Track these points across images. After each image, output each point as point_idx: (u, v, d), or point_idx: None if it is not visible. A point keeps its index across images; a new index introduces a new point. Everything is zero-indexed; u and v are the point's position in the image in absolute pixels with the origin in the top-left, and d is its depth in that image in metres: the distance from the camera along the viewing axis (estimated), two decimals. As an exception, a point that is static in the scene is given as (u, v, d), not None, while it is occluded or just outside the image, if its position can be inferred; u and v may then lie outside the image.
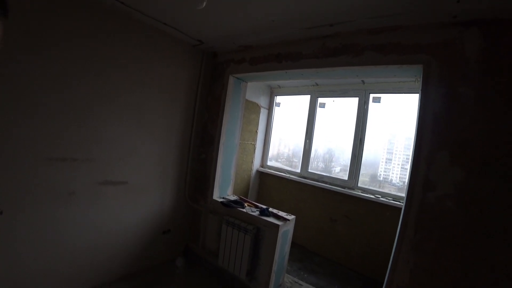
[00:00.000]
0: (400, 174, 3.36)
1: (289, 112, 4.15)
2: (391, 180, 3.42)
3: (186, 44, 2.78)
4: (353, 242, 3.03)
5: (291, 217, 2.45)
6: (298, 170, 3.72)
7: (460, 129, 1.64)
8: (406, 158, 3.39)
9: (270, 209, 2.53)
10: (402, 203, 2.69)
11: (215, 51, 3.04)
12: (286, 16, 1.96)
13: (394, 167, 3.38)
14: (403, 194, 2.84)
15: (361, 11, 1.76)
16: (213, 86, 3.09)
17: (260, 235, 2.40)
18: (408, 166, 3.21)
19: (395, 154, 3.39)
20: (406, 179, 3.40)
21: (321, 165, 3.86)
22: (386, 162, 3.46)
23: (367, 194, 2.97)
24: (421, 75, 1.81)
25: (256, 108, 3.86)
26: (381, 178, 3.44)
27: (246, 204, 2.66)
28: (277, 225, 2.28)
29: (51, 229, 1.98)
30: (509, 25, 1.54)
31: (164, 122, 2.69)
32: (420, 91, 1.82)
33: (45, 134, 1.89)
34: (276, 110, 4.17)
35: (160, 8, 2.09)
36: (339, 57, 2.14)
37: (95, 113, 2.14)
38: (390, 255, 1.85)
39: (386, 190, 3.11)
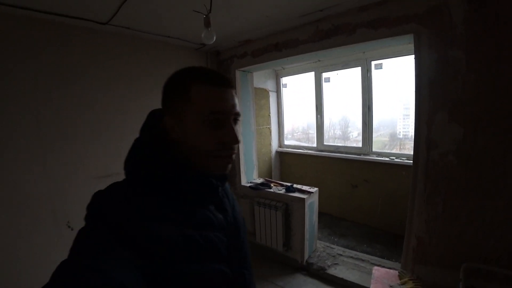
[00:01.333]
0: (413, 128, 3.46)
1: (296, 91, 4.30)
2: (411, 136, 3.53)
3: (190, 49, 2.97)
4: (375, 203, 3.26)
5: (314, 189, 2.71)
6: (315, 145, 3.93)
7: (454, 90, 1.78)
8: None
9: (295, 185, 2.80)
10: (415, 161, 2.88)
11: (217, 50, 3.21)
12: (278, 10, 2.10)
13: (413, 122, 3.47)
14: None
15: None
16: (222, 82, 3.29)
17: (289, 210, 2.69)
18: None
19: (412, 109, 3.45)
20: None
21: (338, 132, 4.02)
22: (404, 119, 3.55)
23: (382, 157, 3.15)
24: (413, 44, 1.93)
25: (264, 93, 4.03)
26: (401, 136, 3.56)
27: (272, 184, 2.94)
28: (303, 199, 2.56)
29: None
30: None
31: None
32: (414, 59, 1.95)
33: (93, 156, 2.21)
34: (284, 92, 4.32)
35: (163, 26, 2.29)
36: (333, 38, 2.27)
37: (126, 132, 2.40)
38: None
39: (400, 151, 3.28)
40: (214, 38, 1.83)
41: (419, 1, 1.84)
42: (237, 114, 0.63)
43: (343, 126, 4.00)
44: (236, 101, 0.63)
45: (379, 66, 3.08)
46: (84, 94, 2.16)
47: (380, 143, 3.56)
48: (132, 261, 0.45)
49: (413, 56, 2.76)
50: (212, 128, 0.59)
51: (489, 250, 1.73)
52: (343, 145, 3.68)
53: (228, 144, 0.61)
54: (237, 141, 0.61)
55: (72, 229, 2.13)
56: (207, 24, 1.78)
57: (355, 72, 3.31)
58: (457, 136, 1.79)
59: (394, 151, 3.34)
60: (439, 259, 1.92)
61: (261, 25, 2.40)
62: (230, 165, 0.65)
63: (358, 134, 3.83)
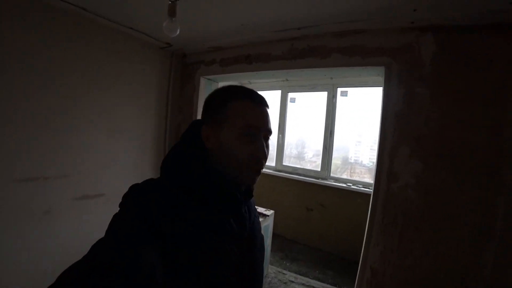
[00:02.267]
0: (369, 155, 3.62)
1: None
2: (362, 161, 3.68)
3: (154, 47, 2.71)
4: (329, 228, 3.25)
5: (270, 212, 2.58)
6: (273, 164, 3.85)
7: (418, 125, 1.83)
8: (374, 140, 3.64)
9: (250, 207, 2.63)
10: (371, 189, 2.95)
11: (183, 52, 2.99)
12: (255, 20, 2.00)
13: (364, 148, 3.63)
14: (372, 181, 3.10)
15: (327, 16, 1.85)
16: (185, 88, 3.07)
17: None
18: (376, 149, 3.48)
19: (365, 136, 3.62)
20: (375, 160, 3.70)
21: (294, 151, 4.02)
22: (356, 145, 3.69)
23: (339, 183, 3.18)
24: (383, 76, 1.97)
25: (228, 105, 3.87)
26: (352, 160, 3.69)
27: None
28: (258, 222, 2.39)
29: (27, 250, 1.90)
30: (456, 33, 1.72)
31: (138, 127, 2.66)
32: (382, 91, 1.99)
33: (10, 154, 1.79)
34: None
35: (125, 13, 2.02)
36: (307, 58, 2.23)
37: (64, 125, 2.04)
38: (363, 238, 2.05)
39: (356, 178, 3.36)
40: (178, 31, 1.60)
41: (394, 36, 1.89)
42: (269, 132, 0.68)
43: (299, 146, 4.02)
44: (270, 119, 0.68)
45: (344, 93, 3.16)
46: (22, 80, 1.80)
47: (333, 165, 3.64)
48: (158, 248, 0.49)
49: (377, 88, 2.89)
50: (244, 142, 0.63)
51: (439, 284, 1.76)
52: (301, 167, 3.66)
53: (257, 158, 0.64)
54: (265, 156, 0.66)
55: None
56: (172, 12, 1.53)
57: (321, 96, 3.35)
58: (417, 170, 1.83)
59: (344, 175, 3.43)
60: (393, 292, 1.90)
61: (235, 33, 2.28)
62: (258, 178, 0.68)
63: (313, 155, 3.90)
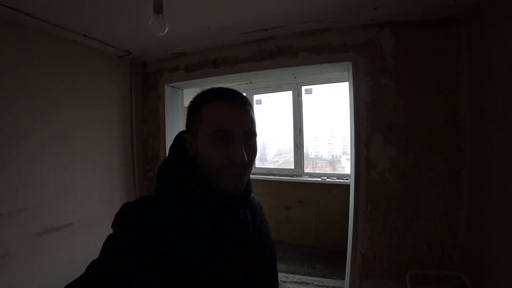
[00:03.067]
0: (328, 149, 3.80)
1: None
2: (321, 156, 3.84)
3: (111, 56, 2.51)
4: (309, 223, 3.33)
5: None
6: (247, 168, 3.81)
7: (387, 114, 1.97)
8: (331, 135, 3.85)
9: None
10: (346, 180, 3.10)
11: (144, 61, 2.82)
12: (222, 22, 1.97)
13: (322, 143, 3.80)
14: (345, 172, 3.26)
15: (293, 16, 1.90)
16: (148, 98, 2.89)
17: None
18: (333, 142, 3.67)
19: (322, 131, 3.80)
20: (334, 153, 3.92)
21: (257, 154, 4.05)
22: (314, 140, 3.84)
23: (314, 178, 3.29)
24: (351, 71, 2.08)
25: (194, 112, 3.75)
26: (313, 156, 3.83)
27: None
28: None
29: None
30: (411, 27, 1.90)
31: (101, 145, 2.40)
32: (351, 86, 2.10)
33: None
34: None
35: (78, 19, 1.82)
36: (276, 59, 2.26)
37: (16, 154, 1.76)
38: (344, 227, 2.12)
39: (313, 170, 3.50)
40: (166, 29, 1.48)
41: (356, 33, 2.02)
42: (249, 132, 0.63)
43: (260, 148, 4.06)
44: (251, 119, 0.64)
45: (309, 91, 3.28)
46: None
47: (289, 163, 3.75)
48: (154, 266, 0.48)
49: (339, 84, 3.05)
50: (219, 147, 0.59)
51: (423, 255, 1.91)
52: (274, 167, 3.70)
53: (235, 162, 0.59)
54: (244, 160, 0.59)
55: None
56: (158, 9, 1.36)
57: (287, 96, 3.43)
58: (391, 155, 1.97)
59: (307, 170, 3.55)
60: (385, 271, 2.00)
61: (200, 37, 2.21)
62: (242, 184, 0.63)
63: (275, 155, 4.01)
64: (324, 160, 3.85)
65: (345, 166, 4.01)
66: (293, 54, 2.20)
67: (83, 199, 2.20)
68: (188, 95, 3.25)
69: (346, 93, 3.01)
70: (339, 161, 3.93)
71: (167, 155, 0.70)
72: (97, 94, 2.37)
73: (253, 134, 0.64)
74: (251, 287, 0.64)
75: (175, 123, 2.93)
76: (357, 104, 2.05)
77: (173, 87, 2.88)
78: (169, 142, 2.80)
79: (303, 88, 3.31)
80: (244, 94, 2.87)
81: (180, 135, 0.70)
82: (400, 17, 1.88)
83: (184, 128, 0.71)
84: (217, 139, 0.59)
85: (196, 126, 0.62)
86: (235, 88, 2.65)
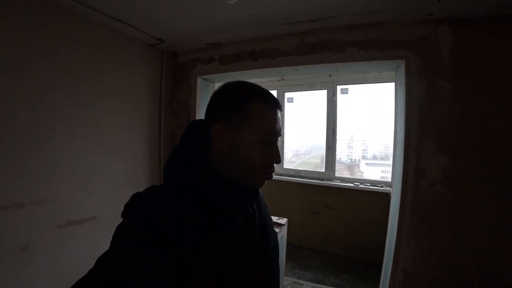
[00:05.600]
0: (346, 152, 3.61)
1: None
2: (340, 159, 3.66)
3: (143, 44, 2.44)
4: (337, 230, 3.16)
5: (283, 220, 2.41)
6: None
7: (441, 119, 1.79)
8: (351, 137, 3.65)
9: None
10: (381, 187, 2.91)
11: (175, 51, 2.75)
12: (267, 10, 1.84)
13: (341, 146, 3.62)
14: (379, 178, 3.07)
15: (343, 7, 1.75)
16: (179, 90, 2.82)
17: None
18: (353, 145, 3.47)
19: (339, 134, 3.60)
20: (353, 156, 3.72)
21: None
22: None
23: (345, 183, 3.11)
24: (402, 70, 1.92)
25: (221, 108, 3.67)
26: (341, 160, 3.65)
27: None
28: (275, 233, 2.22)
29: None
30: (473, 24, 1.71)
31: (128, 136, 2.32)
32: (401, 86, 1.93)
33: None
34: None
35: (113, 2, 1.75)
36: (320, 53, 2.12)
37: (42, 143, 1.68)
38: (375, 237, 1.96)
39: (362, 176, 3.33)
40: None
41: (411, 28, 1.85)
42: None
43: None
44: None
45: (345, 91, 3.11)
46: None
47: (312, 164, 3.58)
48: (163, 258, 0.47)
49: (377, 84, 2.87)
50: (263, 146, 0.62)
51: (473, 278, 1.72)
52: (303, 169, 3.55)
53: (272, 164, 0.65)
54: (280, 161, 0.66)
55: None
56: None
57: (321, 95, 3.28)
58: (443, 164, 1.79)
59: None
60: (427, 291, 1.83)
61: (239, 26, 2.09)
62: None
63: (293, 155, 3.91)
64: (342, 163, 3.68)
65: (364, 171, 3.83)
66: (339, 49, 2.05)
67: (107, 193, 2.13)
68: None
69: (386, 94, 2.85)
70: (358, 165, 3.73)
71: (177, 144, 0.69)
72: (125, 83, 2.29)
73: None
74: (255, 278, 0.65)
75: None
76: (408, 107, 1.88)
77: (205, 79, 2.80)
78: (198, 136, 2.72)
79: (339, 87, 3.14)
80: (275, 91, 2.72)
81: (195, 125, 0.70)
82: (461, 13, 1.70)
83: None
84: (263, 140, 0.62)
85: (240, 121, 0.62)
86: (264, 84, 2.53)
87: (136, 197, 0.59)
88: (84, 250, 1.93)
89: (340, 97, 3.15)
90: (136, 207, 0.56)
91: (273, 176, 2.62)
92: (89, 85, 1.97)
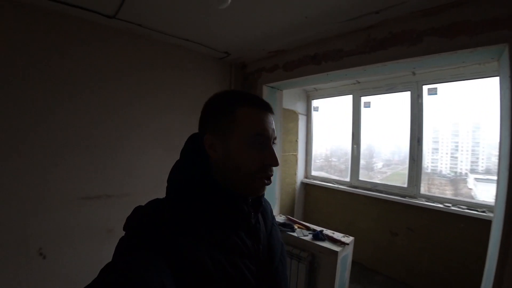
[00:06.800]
0: (450, 163, 2.91)
1: (329, 115, 3.82)
2: (441, 171, 2.98)
3: (212, 58, 2.66)
4: (419, 258, 2.61)
5: (349, 239, 2.14)
6: (347, 179, 3.36)
7: None
8: (455, 146, 2.93)
9: (324, 231, 2.24)
10: (482, 212, 2.27)
11: (243, 61, 2.87)
12: (322, 9, 1.71)
13: (442, 156, 2.97)
14: (481, 201, 2.40)
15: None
16: (246, 99, 2.91)
17: (316, 263, 2.12)
18: (458, 155, 2.79)
19: (442, 142, 2.97)
20: (457, 169, 2.96)
21: (361, 162, 3.48)
22: (432, 153, 3.03)
23: (433, 203, 2.55)
24: (505, 57, 1.45)
25: (293, 115, 3.60)
26: (429, 170, 3.00)
27: (296, 226, 2.40)
28: (335, 252, 1.98)
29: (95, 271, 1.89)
30: None
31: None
32: (507, 78, 1.46)
33: (77, 173, 1.84)
34: (315, 115, 3.86)
35: (180, 24, 1.96)
36: (390, 49, 1.83)
37: (124, 147, 2.07)
38: (468, 271, 1.47)
39: (428, 188, 2.69)
40: (229, 2, 1.44)
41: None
42: (275, 138, 0.67)
43: (366, 156, 3.46)
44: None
45: (433, 91, 2.59)
46: (94, 110, 1.90)
47: (399, 175, 3.03)
48: (165, 271, 0.47)
49: (478, 80, 2.29)
50: (255, 150, 0.62)
51: None
52: (382, 182, 3.11)
53: (269, 165, 0.63)
54: (277, 163, 0.64)
55: (44, 257, 1.71)
56: None
57: (402, 97, 2.83)
58: None
59: (424, 189, 2.77)
60: None
61: (297, 30, 2.02)
62: (266, 187, 0.66)
63: (383, 165, 3.41)
64: (443, 177, 2.98)
65: (472, 188, 3.00)
66: (414, 41, 1.73)
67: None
68: (286, 95, 3.12)
69: (492, 91, 2.26)
70: (465, 180, 2.98)
71: (179, 158, 0.69)
72: (196, 95, 2.52)
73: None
74: None
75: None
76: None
77: (272, 87, 2.81)
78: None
79: (425, 87, 2.63)
80: (351, 96, 2.47)
81: (192, 139, 0.69)
82: None
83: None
84: (254, 143, 0.62)
85: (227, 128, 0.62)
86: (338, 89, 2.35)
87: (138, 210, 0.60)
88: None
89: (427, 99, 2.63)
90: (138, 220, 0.57)
91: (347, 188, 2.41)
92: (163, 99, 2.28)
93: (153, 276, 0.44)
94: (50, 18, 1.68)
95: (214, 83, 2.71)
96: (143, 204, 0.62)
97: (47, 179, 1.71)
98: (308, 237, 2.20)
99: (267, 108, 0.66)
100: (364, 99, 3.18)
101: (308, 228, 2.37)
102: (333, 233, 2.22)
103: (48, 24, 1.67)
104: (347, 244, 2.09)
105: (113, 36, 1.96)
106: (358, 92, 3.19)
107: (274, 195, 2.89)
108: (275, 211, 2.90)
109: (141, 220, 0.56)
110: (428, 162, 3.03)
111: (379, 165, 3.52)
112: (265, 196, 2.44)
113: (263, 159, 0.62)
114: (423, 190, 2.75)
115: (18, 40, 1.57)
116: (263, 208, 0.77)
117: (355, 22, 1.85)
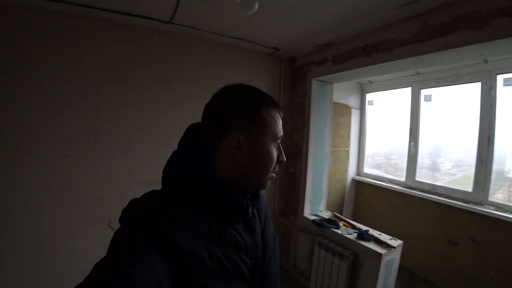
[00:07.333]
0: None
1: (385, 110, 3.53)
2: None
3: (261, 54, 2.73)
4: (482, 274, 2.27)
5: (397, 242, 2.02)
6: (402, 179, 3.10)
7: None
8: None
9: (370, 231, 2.15)
10: None
11: (292, 56, 2.87)
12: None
13: None
14: None
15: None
16: (295, 93, 2.92)
17: (358, 263, 2.05)
18: None
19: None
20: None
21: (427, 161, 3.14)
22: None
23: (503, 212, 2.20)
24: None
25: (345, 110, 3.45)
26: (511, 175, 2.54)
27: (341, 223, 2.35)
28: (380, 254, 1.90)
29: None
30: None
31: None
32: None
33: (135, 161, 2.13)
34: (369, 110, 3.63)
35: (229, 23, 2.07)
36: (450, 35, 1.64)
37: (139, 137, 2.24)
38: None
39: (508, 196, 2.29)
40: (256, 8, 1.44)
41: None
42: None
43: (432, 155, 3.11)
44: None
45: (509, 82, 2.22)
46: (143, 96, 2.14)
47: (468, 179, 2.59)
48: (161, 264, 0.48)
49: None
50: (275, 148, 0.66)
51: None
52: (434, 182, 2.80)
53: (280, 162, 0.68)
54: (285, 161, 0.70)
55: (113, 230, 2.06)
56: None
57: (471, 89, 2.49)
58: None
59: (498, 194, 2.38)
60: None
61: (346, 21, 1.95)
62: None
63: (452, 166, 2.99)
64: None
65: None
66: (480, 24, 1.52)
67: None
68: (337, 88, 3.03)
69: None
70: None
71: (177, 148, 0.71)
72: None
73: None
74: (255, 283, 0.66)
75: (321, 120, 2.81)
76: None
77: (321, 81, 2.75)
78: (313, 139, 2.72)
79: (499, 77, 2.26)
80: (409, 88, 2.41)
81: (193, 130, 0.70)
82: None
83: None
84: (276, 143, 0.66)
85: (256, 128, 0.63)
86: (396, 81, 2.23)
87: (133, 202, 0.60)
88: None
89: (501, 91, 2.26)
90: (133, 213, 0.57)
91: (402, 188, 2.82)
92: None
93: (147, 274, 0.44)
94: (120, 29, 2.00)
95: (264, 79, 2.79)
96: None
97: (118, 165, 2.07)
98: (353, 236, 2.14)
99: (280, 107, 0.69)
100: (424, 91, 2.88)
101: (353, 227, 2.29)
102: (380, 234, 2.12)
103: (126, 36, 2.04)
104: (394, 247, 1.97)
105: (171, 38, 2.20)
106: (418, 84, 2.90)
107: (321, 191, 2.85)
108: (321, 207, 2.86)
109: (136, 213, 0.56)
110: (508, 165, 2.60)
111: (447, 165, 3.14)
112: (311, 193, 2.46)
113: (279, 157, 0.67)
114: (500, 197, 2.38)
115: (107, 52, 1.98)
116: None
117: (408, 8, 1.71)
